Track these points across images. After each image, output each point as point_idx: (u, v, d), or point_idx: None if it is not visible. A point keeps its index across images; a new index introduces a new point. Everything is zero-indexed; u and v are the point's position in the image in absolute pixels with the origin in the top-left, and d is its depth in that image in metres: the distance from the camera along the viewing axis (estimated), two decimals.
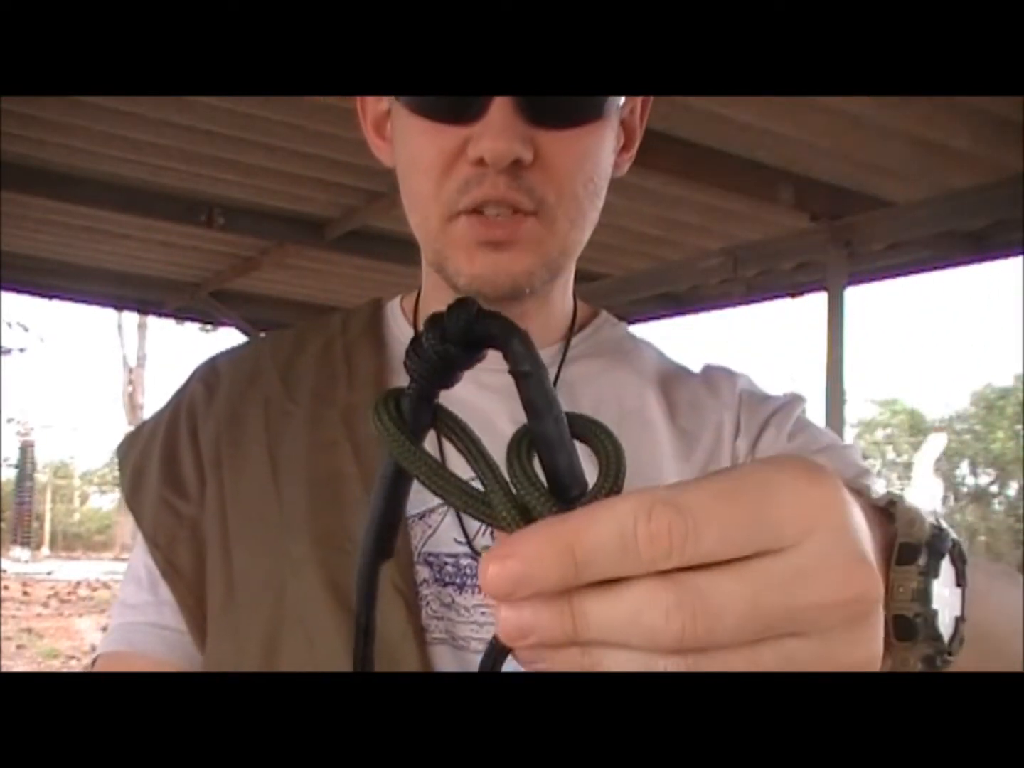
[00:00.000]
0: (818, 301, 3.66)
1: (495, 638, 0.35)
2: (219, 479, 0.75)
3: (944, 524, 0.40)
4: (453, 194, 0.67)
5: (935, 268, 3.88)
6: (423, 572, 0.69)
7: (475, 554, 0.69)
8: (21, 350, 20.20)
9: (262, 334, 4.93)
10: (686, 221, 3.64)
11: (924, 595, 0.38)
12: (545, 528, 0.31)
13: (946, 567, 0.39)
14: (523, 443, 0.36)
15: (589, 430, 0.36)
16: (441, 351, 0.37)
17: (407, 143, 0.70)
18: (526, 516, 0.34)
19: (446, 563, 0.70)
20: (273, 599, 0.69)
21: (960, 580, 0.41)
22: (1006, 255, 3.57)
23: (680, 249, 3.94)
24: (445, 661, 0.67)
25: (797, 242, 3.55)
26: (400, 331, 0.81)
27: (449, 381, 0.39)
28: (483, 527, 0.70)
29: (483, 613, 0.68)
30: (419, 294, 0.82)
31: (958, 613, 0.40)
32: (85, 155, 3.24)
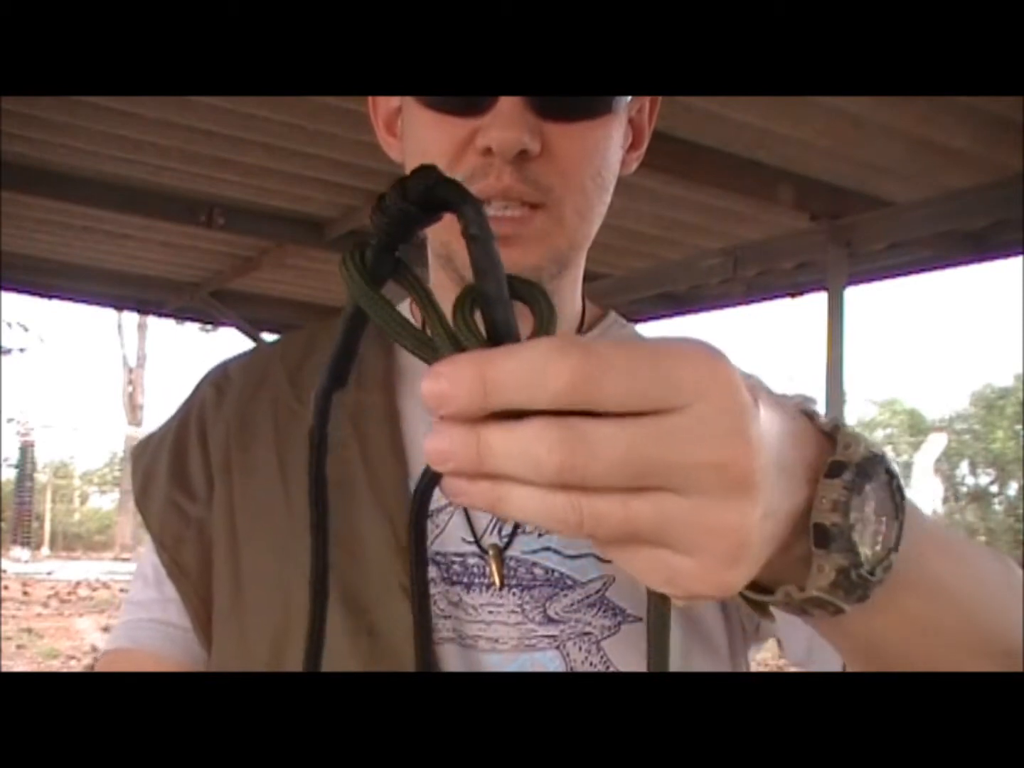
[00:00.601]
0: (818, 301, 3.66)
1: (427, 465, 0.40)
2: (228, 481, 0.75)
3: (886, 457, 0.43)
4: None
5: (935, 268, 3.88)
6: (430, 571, 0.69)
7: (483, 552, 0.69)
8: (21, 350, 20.21)
9: (262, 334, 4.92)
10: (686, 221, 3.64)
11: (843, 508, 0.40)
12: (469, 355, 0.35)
13: (874, 490, 0.42)
14: (467, 299, 0.39)
15: (527, 291, 0.39)
16: (402, 207, 0.40)
17: (417, 136, 0.71)
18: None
19: (453, 562, 0.70)
20: (281, 601, 0.69)
21: (895, 512, 0.43)
22: (1006, 255, 3.57)
23: (680, 249, 3.94)
24: (452, 660, 0.67)
25: (797, 242, 3.55)
26: None
27: (408, 237, 0.42)
28: (491, 526, 0.71)
29: (491, 612, 0.68)
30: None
31: (889, 541, 0.42)
32: (85, 155, 3.24)
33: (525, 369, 0.34)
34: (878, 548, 0.42)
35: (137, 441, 0.85)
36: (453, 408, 0.35)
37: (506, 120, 0.64)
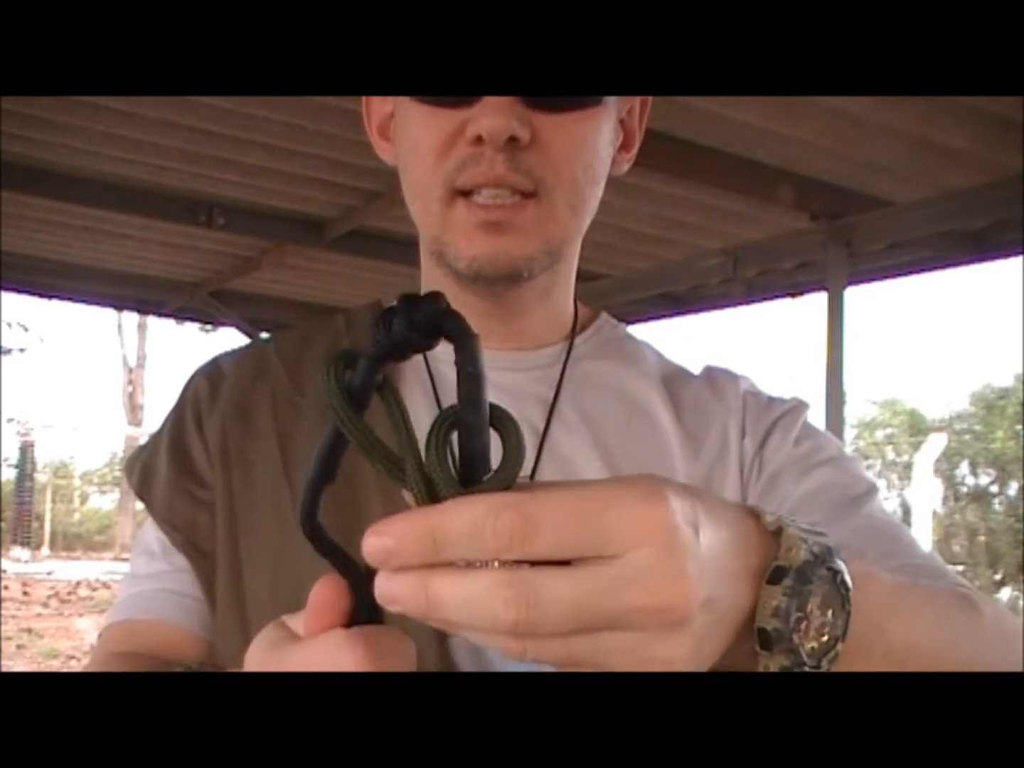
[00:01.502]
0: (818, 301, 3.66)
1: None
2: (227, 471, 0.75)
3: (830, 555, 0.45)
4: (451, 173, 0.68)
5: (935, 268, 3.87)
6: None
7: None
8: (21, 350, 20.19)
9: (263, 334, 4.91)
10: (686, 221, 3.64)
11: (784, 613, 0.43)
12: (414, 514, 0.38)
13: (818, 587, 0.43)
14: (443, 426, 0.42)
15: (502, 422, 0.41)
16: (407, 336, 0.43)
17: (408, 131, 0.71)
18: (431, 488, 0.40)
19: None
20: (286, 595, 0.69)
21: (842, 603, 0.44)
22: (1006, 255, 3.56)
23: (680, 249, 3.93)
24: (461, 658, 0.67)
25: (797, 242, 3.55)
26: None
27: (403, 358, 0.45)
28: None
29: None
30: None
31: (836, 631, 0.44)
32: (85, 155, 3.23)
33: (467, 529, 0.37)
34: (825, 639, 0.44)
35: (135, 446, 0.85)
36: (401, 562, 0.38)
37: (495, 109, 0.65)
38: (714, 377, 0.82)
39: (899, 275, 4.02)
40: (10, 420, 17.20)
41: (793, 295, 4.29)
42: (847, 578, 0.45)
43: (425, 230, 0.73)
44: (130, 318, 19.47)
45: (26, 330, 19.82)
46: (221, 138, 3.06)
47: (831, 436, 0.81)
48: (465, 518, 0.37)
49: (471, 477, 0.40)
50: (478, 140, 0.66)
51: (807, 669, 0.43)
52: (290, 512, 0.72)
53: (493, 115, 0.65)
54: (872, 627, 0.47)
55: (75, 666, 7.69)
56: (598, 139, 0.71)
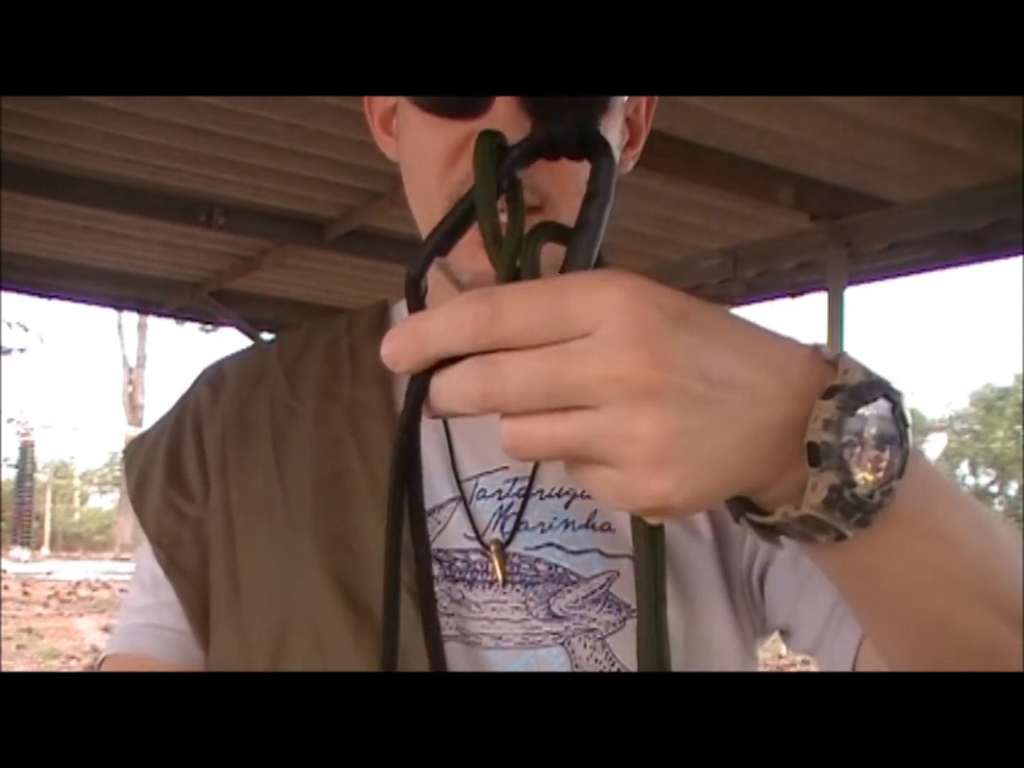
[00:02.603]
0: (818, 301, 3.66)
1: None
2: (225, 479, 0.75)
3: (889, 384, 0.43)
4: (456, 186, 0.67)
5: (935, 268, 3.87)
6: (433, 568, 0.69)
7: (485, 549, 0.69)
8: (21, 350, 20.20)
9: (262, 334, 4.92)
10: (686, 221, 3.64)
11: (835, 427, 0.41)
12: (409, 318, 0.41)
13: (874, 416, 0.42)
14: (542, 234, 0.46)
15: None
16: (566, 135, 0.48)
17: (412, 138, 0.70)
18: (516, 277, 0.45)
19: (456, 559, 0.70)
20: (281, 600, 0.69)
21: (899, 440, 0.43)
22: (1006, 255, 3.56)
23: (680, 249, 3.93)
24: (457, 658, 0.66)
25: (797, 242, 3.55)
26: None
27: (551, 157, 0.50)
28: (492, 523, 0.71)
29: (494, 609, 0.68)
30: (425, 294, 0.82)
31: (892, 468, 0.43)
32: (85, 155, 3.24)
33: (442, 322, 0.40)
34: (880, 474, 0.42)
35: (131, 439, 0.85)
36: (404, 364, 0.41)
37: (502, 124, 0.63)
38: None
39: (899, 275, 4.03)
40: (10, 420, 17.20)
41: (793, 295, 4.29)
42: (906, 413, 0.44)
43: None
44: (130, 318, 19.49)
45: (26, 330, 19.83)
46: (221, 138, 3.06)
47: None
48: (444, 313, 0.40)
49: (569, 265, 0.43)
50: None
51: (858, 494, 0.42)
52: (283, 518, 0.71)
53: (500, 128, 0.64)
54: (925, 498, 0.46)
55: (75, 666, 7.69)
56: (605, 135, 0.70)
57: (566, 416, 0.39)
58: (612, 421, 0.38)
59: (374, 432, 0.73)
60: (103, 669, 0.76)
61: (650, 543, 0.46)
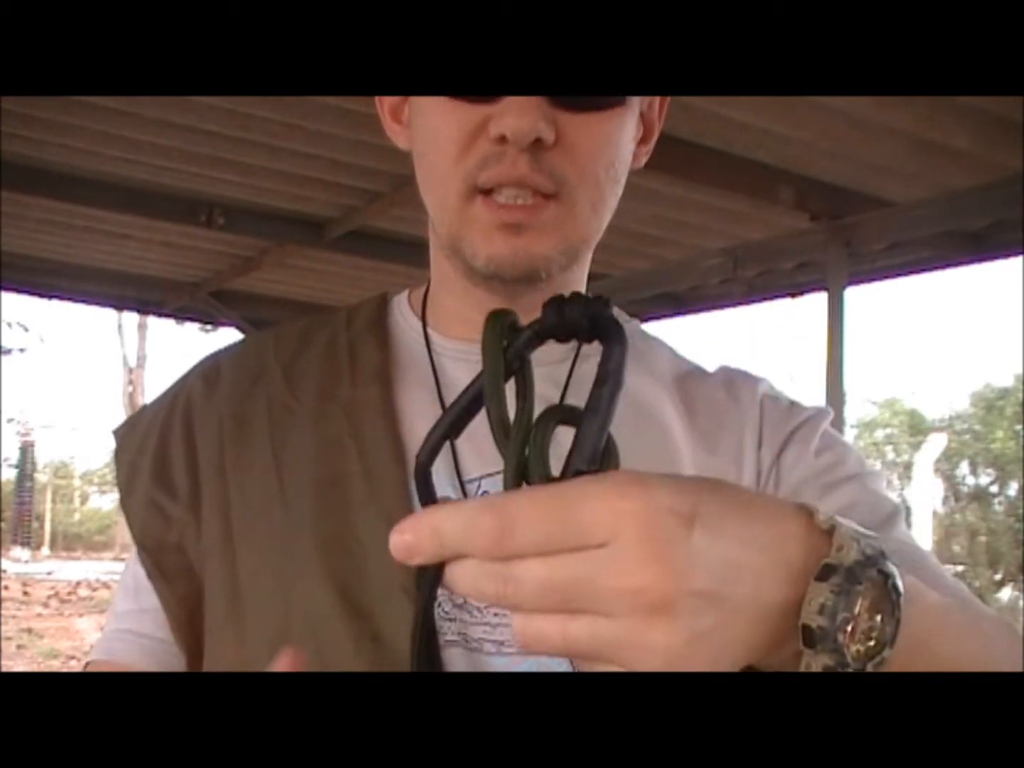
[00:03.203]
0: (818, 301, 3.66)
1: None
2: (222, 480, 0.73)
3: (882, 558, 0.44)
4: (472, 170, 0.67)
5: (935, 268, 3.87)
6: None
7: None
8: (21, 350, 20.17)
9: None
10: (686, 221, 3.64)
11: (830, 611, 0.42)
12: (425, 513, 0.42)
13: (867, 589, 0.43)
14: (551, 419, 0.46)
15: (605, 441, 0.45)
16: (577, 321, 0.48)
17: (426, 121, 0.70)
18: (524, 473, 0.45)
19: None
20: (281, 601, 0.68)
21: (891, 610, 0.44)
22: (1006, 255, 3.56)
23: (680, 249, 3.93)
24: (458, 663, 0.66)
25: (797, 242, 3.55)
26: (408, 324, 0.80)
27: (561, 340, 0.50)
28: None
29: (495, 614, 0.67)
30: (427, 288, 0.81)
31: (884, 637, 0.44)
32: (85, 155, 3.23)
33: (457, 529, 0.41)
34: (871, 643, 0.44)
35: (121, 424, 0.82)
36: (419, 559, 0.42)
37: (521, 108, 0.63)
38: (731, 378, 0.79)
39: (899, 275, 4.02)
40: (10, 420, 17.21)
41: (793, 295, 4.29)
42: (899, 583, 0.44)
43: (441, 224, 0.72)
44: (130, 318, 19.45)
45: (26, 330, 19.81)
46: (221, 138, 3.05)
47: (852, 447, 0.77)
48: (459, 519, 0.41)
49: (568, 470, 0.43)
50: (502, 139, 0.65)
51: (850, 671, 0.43)
52: (282, 519, 0.70)
53: (519, 115, 0.63)
54: (918, 641, 0.47)
55: (75, 666, 7.69)
56: (621, 138, 0.69)
57: (579, 619, 0.40)
58: (627, 631, 0.39)
59: (373, 433, 0.72)
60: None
61: None
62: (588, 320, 0.48)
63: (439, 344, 0.77)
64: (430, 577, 0.45)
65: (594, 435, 0.43)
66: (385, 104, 0.77)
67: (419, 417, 0.72)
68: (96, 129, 3.00)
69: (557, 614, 0.40)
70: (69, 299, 5.07)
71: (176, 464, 0.76)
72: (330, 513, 0.70)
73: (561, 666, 0.66)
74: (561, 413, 0.46)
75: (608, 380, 0.45)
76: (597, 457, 0.43)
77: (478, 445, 0.72)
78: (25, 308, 34.41)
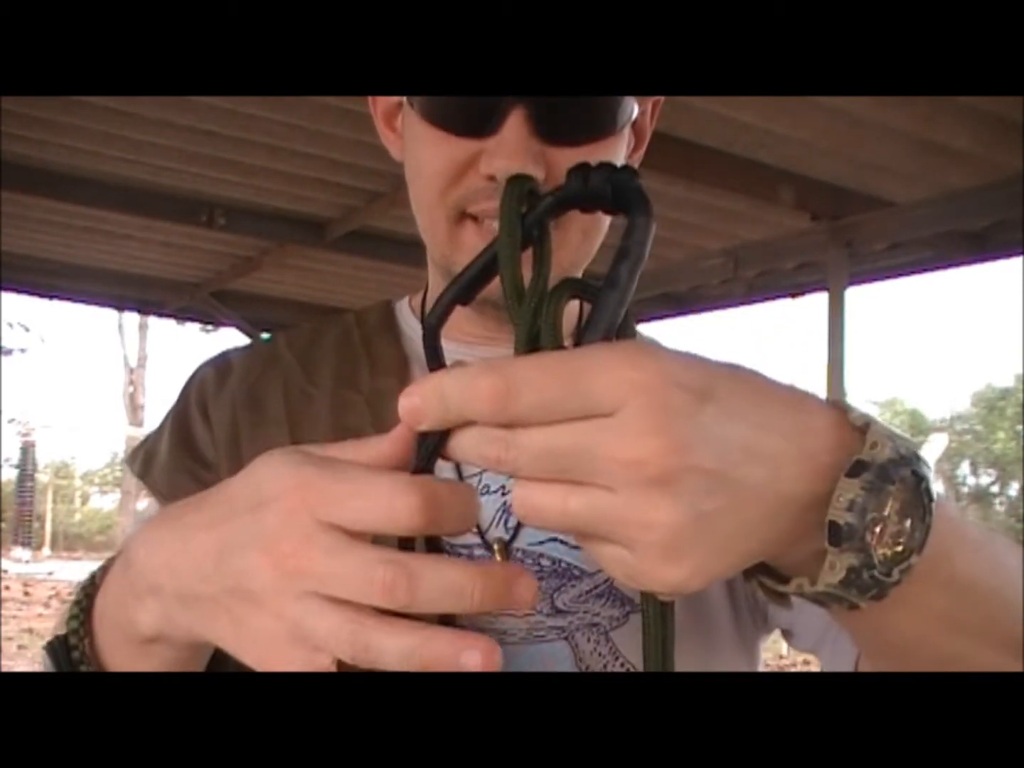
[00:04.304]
0: (818, 301, 3.66)
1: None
2: (237, 458, 0.74)
3: (917, 458, 0.42)
4: (460, 201, 0.67)
5: (935, 268, 3.87)
6: None
7: (487, 546, 0.69)
8: (22, 350, 20.18)
9: (263, 334, 4.93)
10: (687, 221, 3.64)
11: (859, 508, 0.40)
12: (433, 376, 0.41)
13: (898, 490, 0.41)
14: (565, 289, 0.44)
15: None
16: (602, 188, 0.45)
17: (417, 149, 0.70)
18: (535, 341, 0.43)
19: (460, 554, 0.69)
20: None
21: (922, 514, 0.42)
22: (1006, 255, 3.56)
23: (681, 249, 3.93)
24: None
25: (798, 242, 3.55)
26: (410, 327, 0.81)
27: (586, 209, 0.47)
28: (496, 518, 0.71)
29: None
30: (425, 292, 0.82)
31: (912, 543, 0.42)
32: (86, 155, 3.24)
33: (462, 391, 0.39)
34: (899, 548, 0.41)
35: (135, 443, 0.84)
36: (426, 423, 0.41)
37: (511, 148, 0.64)
38: None
39: (899, 275, 4.03)
40: (11, 420, 17.20)
41: (794, 295, 4.29)
42: (931, 487, 0.42)
43: (432, 246, 0.73)
44: (131, 318, 19.45)
45: (27, 330, 19.82)
46: (221, 138, 3.06)
47: None
48: (463, 380, 0.39)
49: (585, 334, 0.42)
50: (492, 178, 0.65)
51: (877, 575, 0.41)
52: None
53: (510, 157, 0.63)
54: (943, 549, 0.44)
55: None
56: (613, 145, 0.70)
57: (579, 491, 0.38)
58: (627, 505, 0.37)
59: (394, 423, 0.73)
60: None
61: (659, 611, 0.46)
62: (613, 189, 0.45)
63: (443, 347, 0.78)
64: (429, 447, 0.43)
65: (611, 309, 0.41)
66: (379, 110, 0.78)
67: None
68: (96, 129, 3.00)
69: (558, 485, 0.38)
70: (69, 299, 5.07)
71: (201, 438, 0.76)
72: None
73: (562, 653, 0.66)
74: (577, 285, 0.44)
75: (630, 254, 0.42)
76: (613, 333, 0.41)
77: None
78: (26, 308, 34.44)
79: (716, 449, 0.38)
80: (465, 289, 0.49)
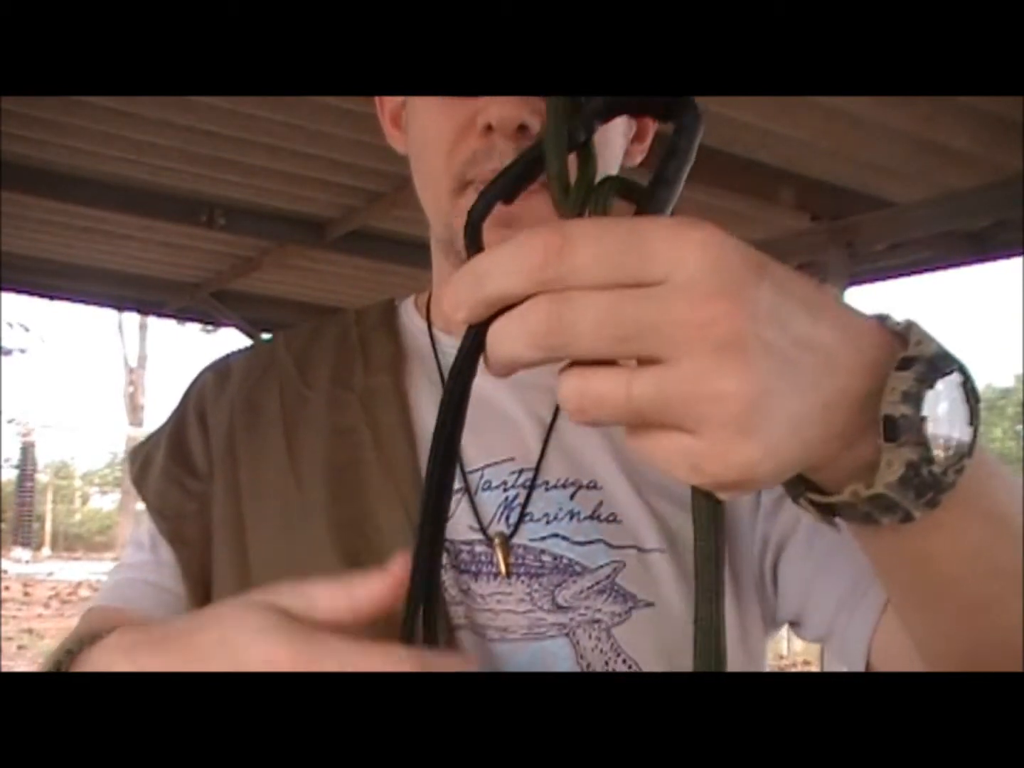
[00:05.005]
0: None
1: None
2: (233, 464, 0.75)
3: (958, 359, 0.41)
4: (462, 166, 0.68)
5: (935, 268, 3.87)
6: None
7: (488, 541, 0.69)
8: (22, 351, 20.19)
9: (263, 334, 4.93)
10: None
11: (914, 399, 0.39)
12: (469, 263, 0.38)
13: (947, 389, 0.40)
14: (609, 183, 0.42)
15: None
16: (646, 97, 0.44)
17: (419, 121, 0.71)
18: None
19: (461, 550, 0.70)
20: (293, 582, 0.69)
21: (969, 417, 0.41)
22: (1006, 255, 3.56)
23: None
24: (468, 647, 0.67)
25: (798, 242, 3.55)
26: (414, 325, 0.82)
27: (635, 112, 0.48)
28: (498, 514, 0.70)
29: (499, 601, 0.68)
30: (431, 291, 0.83)
31: (962, 447, 0.40)
32: (86, 155, 3.24)
33: (505, 255, 0.36)
34: (951, 452, 0.40)
35: (136, 443, 0.85)
36: (464, 312, 0.37)
37: (510, 104, 0.65)
38: None
39: (900, 275, 4.03)
40: (11, 420, 17.19)
41: None
42: (976, 388, 0.41)
43: (436, 219, 0.73)
44: (131, 318, 19.46)
45: (27, 330, 19.83)
46: (221, 138, 3.05)
47: None
48: (507, 246, 0.36)
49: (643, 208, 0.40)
50: (488, 129, 0.66)
51: (935, 470, 0.39)
52: (296, 503, 0.72)
53: (503, 104, 0.65)
54: (981, 478, 0.43)
55: None
56: (609, 130, 0.70)
57: (643, 371, 0.35)
58: (695, 375, 0.34)
59: (387, 420, 0.73)
60: (93, 619, 0.73)
61: (712, 525, 0.41)
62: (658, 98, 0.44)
63: (444, 343, 0.79)
64: (469, 346, 0.40)
65: (658, 207, 0.40)
66: (386, 111, 0.79)
67: (427, 409, 0.74)
68: (96, 129, 3.00)
69: (618, 369, 0.35)
70: (69, 299, 5.07)
71: (194, 448, 0.77)
72: (345, 497, 0.71)
73: (563, 650, 0.66)
74: (623, 183, 0.42)
75: (678, 151, 0.41)
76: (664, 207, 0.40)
77: (480, 436, 0.72)
78: (26, 308, 34.49)
79: (776, 325, 0.36)
80: (509, 184, 0.47)
